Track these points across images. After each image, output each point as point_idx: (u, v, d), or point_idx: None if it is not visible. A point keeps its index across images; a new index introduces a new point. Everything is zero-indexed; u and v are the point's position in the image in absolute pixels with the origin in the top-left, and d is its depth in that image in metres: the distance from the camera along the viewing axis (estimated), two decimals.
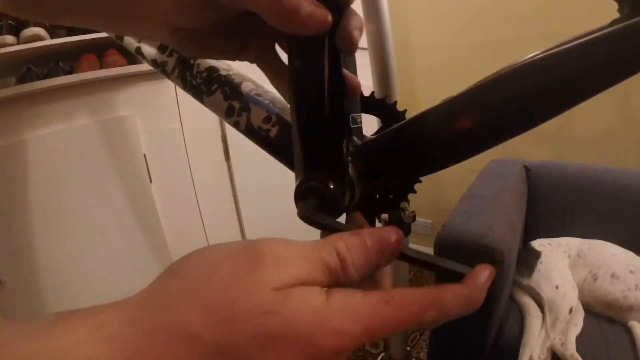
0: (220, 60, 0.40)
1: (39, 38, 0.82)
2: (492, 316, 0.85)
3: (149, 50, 0.45)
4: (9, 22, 0.81)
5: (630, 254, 0.97)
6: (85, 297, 0.88)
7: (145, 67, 0.89)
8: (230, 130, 1.11)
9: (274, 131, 0.35)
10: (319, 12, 0.19)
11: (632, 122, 1.26)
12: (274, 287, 0.14)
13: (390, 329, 0.14)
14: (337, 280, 0.16)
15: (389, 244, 0.16)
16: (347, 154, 0.24)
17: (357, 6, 0.70)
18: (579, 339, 0.83)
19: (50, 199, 0.82)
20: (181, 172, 1.05)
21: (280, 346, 0.13)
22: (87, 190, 0.88)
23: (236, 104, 0.37)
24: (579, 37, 0.20)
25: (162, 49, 0.43)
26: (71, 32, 0.86)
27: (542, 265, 0.99)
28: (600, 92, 0.20)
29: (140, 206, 0.97)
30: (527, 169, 1.27)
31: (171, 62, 0.42)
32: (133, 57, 0.88)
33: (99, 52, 0.90)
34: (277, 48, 0.25)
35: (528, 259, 1.04)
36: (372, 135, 0.29)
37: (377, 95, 0.30)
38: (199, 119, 1.04)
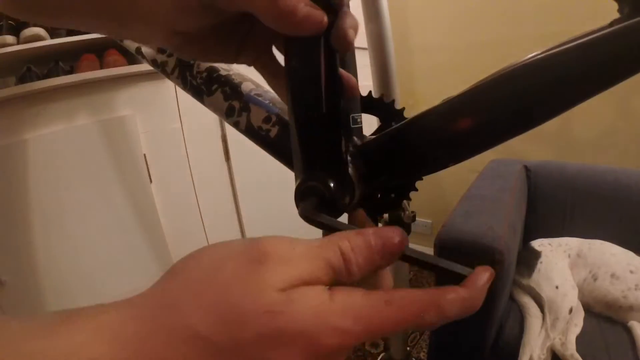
0: None
1: (39, 38, 0.82)
2: (492, 316, 0.85)
3: (149, 50, 0.45)
4: (9, 22, 0.81)
5: (630, 254, 0.97)
6: (85, 297, 0.88)
7: (145, 67, 0.89)
8: (230, 130, 1.11)
9: (274, 131, 0.35)
10: (315, 13, 0.19)
11: (632, 122, 1.26)
12: (278, 288, 0.14)
13: (390, 329, 0.15)
14: (339, 279, 0.16)
15: (392, 244, 0.16)
16: (347, 154, 0.24)
17: (357, 6, 0.70)
18: (579, 339, 0.83)
19: (50, 199, 0.82)
20: (181, 172, 1.05)
21: (283, 345, 0.13)
22: (87, 190, 0.88)
23: (236, 104, 0.37)
24: (579, 37, 0.20)
25: (161, 49, 0.43)
26: (71, 32, 0.86)
27: (542, 265, 0.99)
28: (600, 92, 0.20)
29: (140, 206, 0.97)
30: (527, 169, 1.27)
31: (171, 62, 0.43)
32: (133, 57, 0.88)
33: (99, 52, 0.90)
34: (274, 50, 0.26)
35: (528, 259, 1.04)
36: (372, 134, 0.29)
37: (375, 95, 0.30)
38: (199, 119, 1.04)
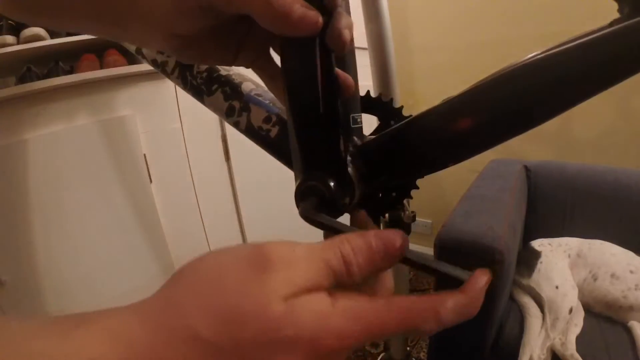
0: None
1: (39, 38, 0.82)
2: (492, 316, 0.85)
3: (149, 50, 0.45)
4: (9, 22, 0.81)
5: (630, 254, 0.97)
6: (85, 297, 0.88)
7: (145, 67, 0.89)
8: (230, 130, 1.11)
9: (274, 131, 0.35)
10: (310, 14, 0.19)
11: (632, 122, 1.26)
12: (281, 296, 0.14)
13: (389, 334, 0.15)
14: (340, 281, 0.16)
15: (393, 247, 0.16)
16: (347, 154, 0.24)
17: (357, 6, 0.70)
18: (579, 339, 0.83)
19: (50, 199, 0.82)
20: (181, 172, 1.05)
21: (286, 350, 0.13)
22: (87, 190, 0.88)
23: (236, 104, 0.37)
24: (579, 37, 0.20)
25: None
26: (71, 32, 0.86)
27: (542, 265, 0.99)
28: (600, 92, 0.20)
29: (140, 206, 0.97)
30: (527, 169, 1.27)
31: (171, 62, 0.43)
32: (133, 57, 0.88)
33: (99, 52, 0.90)
34: (271, 52, 0.26)
35: (528, 259, 1.04)
36: (371, 134, 0.29)
37: (373, 94, 0.30)
38: (199, 119, 1.04)
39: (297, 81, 0.22)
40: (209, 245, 1.12)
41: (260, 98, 0.36)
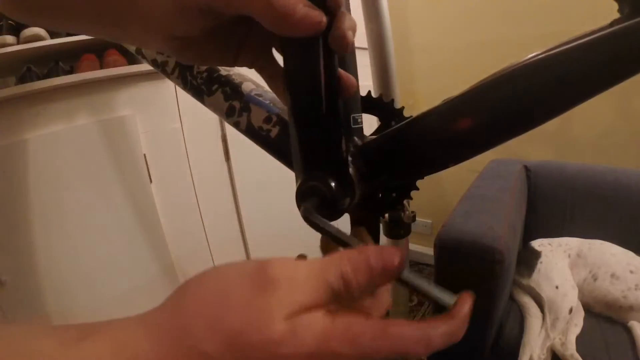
0: None
1: (39, 38, 0.82)
2: (492, 316, 0.85)
3: (149, 50, 0.45)
4: (9, 22, 0.81)
5: (630, 254, 0.97)
6: (85, 297, 0.88)
7: (145, 67, 0.89)
8: (230, 130, 1.11)
9: (274, 131, 0.35)
10: (313, 14, 0.19)
11: (632, 122, 1.26)
12: (282, 316, 0.15)
13: (381, 357, 0.16)
14: (340, 298, 0.16)
15: (392, 266, 0.17)
16: (348, 154, 0.24)
17: (357, 6, 0.70)
18: (579, 339, 0.83)
19: (50, 199, 0.82)
20: (181, 172, 1.05)
21: None
22: (87, 190, 0.88)
23: (237, 104, 0.37)
24: (579, 38, 0.20)
25: None
26: (71, 32, 0.86)
27: (542, 265, 0.99)
28: (600, 92, 0.20)
29: (140, 206, 0.97)
30: (527, 169, 1.27)
31: (171, 62, 0.43)
32: (133, 57, 0.88)
33: (99, 52, 0.90)
34: (274, 52, 0.26)
35: (528, 259, 1.04)
36: (372, 134, 0.29)
37: (374, 95, 0.30)
38: (199, 119, 1.04)
39: (300, 81, 0.22)
40: (208, 245, 1.12)
41: (260, 98, 0.36)
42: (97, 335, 0.14)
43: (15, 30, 0.81)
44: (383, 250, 0.17)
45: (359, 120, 0.27)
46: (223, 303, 0.15)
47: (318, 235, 0.22)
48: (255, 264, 0.16)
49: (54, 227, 0.83)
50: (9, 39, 0.80)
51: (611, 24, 0.20)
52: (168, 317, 0.15)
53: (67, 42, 0.83)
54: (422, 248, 1.87)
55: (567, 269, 0.98)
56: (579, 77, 0.21)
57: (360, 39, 0.22)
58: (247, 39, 0.24)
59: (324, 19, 0.19)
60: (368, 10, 0.74)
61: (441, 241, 0.86)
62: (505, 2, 1.38)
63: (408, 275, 0.18)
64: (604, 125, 1.30)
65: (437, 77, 1.63)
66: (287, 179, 0.37)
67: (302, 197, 0.23)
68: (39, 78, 0.82)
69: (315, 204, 0.22)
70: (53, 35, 0.84)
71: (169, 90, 0.99)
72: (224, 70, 0.39)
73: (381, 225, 0.51)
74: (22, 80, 0.81)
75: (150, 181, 0.97)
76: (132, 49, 0.49)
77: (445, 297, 0.18)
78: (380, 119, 0.30)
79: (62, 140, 0.84)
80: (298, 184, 0.24)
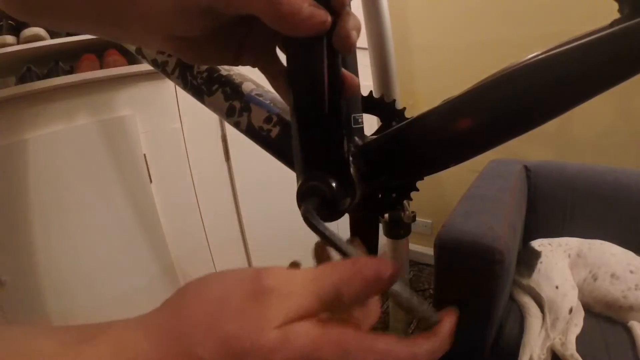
0: None
1: (39, 38, 0.82)
2: (492, 316, 0.85)
3: (149, 50, 0.45)
4: (9, 22, 0.81)
5: (630, 254, 0.97)
6: (85, 297, 0.88)
7: (145, 67, 0.89)
8: (230, 130, 1.11)
9: (275, 131, 0.35)
10: (318, 13, 0.19)
11: (632, 122, 1.26)
12: (276, 325, 0.15)
13: None
14: (332, 307, 0.17)
15: (384, 279, 0.17)
16: (349, 154, 0.24)
17: (357, 6, 0.70)
18: (579, 339, 0.83)
19: (50, 199, 0.82)
20: (181, 172, 1.05)
21: None
22: (87, 190, 0.88)
23: (237, 104, 0.37)
24: (579, 38, 0.20)
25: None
26: (71, 32, 0.86)
27: (542, 265, 0.99)
28: (600, 92, 0.20)
29: (140, 206, 0.97)
30: (527, 169, 1.27)
31: (171, 62, 0.43)
32: (133, 57, 0.88)
33: (99, 52, 0.90)
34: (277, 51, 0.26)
35: (528, 259, 1.04)
36: (373, 134, 0.29)
37: (375, 95, 0.30)
38: (199, 119, 1.04)
39: (303, 81, 0.22)
40: (209, 245, 1.12)
41: (260, 98, 0.36)
42: (98, 336, 0.15)
43: (15, 30, 0.81)
44: (375, 262, 0.18)
45: (360, 120, 0.27)
46: (221, 309, 0.15)
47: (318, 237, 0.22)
48: (251, 273, 0.17)
49: (54, 227, 0.83)
50: (9, 39, 0.80)
51: (611, 24, 0.20)
52: (167, 319, 0.16)
53: (67, 42, 0.83)
54: (422, 248, 1.87)
55: (567, 269, 0.98)
56: (579, 77, 0.21)
57: (361, 39, 0.22)
58: (248, 38, 0.24)
59: (329, 18, 0.19)
60: (368, 10, 0.74)
61: (441, 241, 0.86)
62: (505, 2, 1.38)
63: (396, 289, 0.18)
64: (604, 125, 1.31)
65: (437, 77, 1.63)
66: (287, 179, 0.37)
67: (302, 197, 0.23)
68: (39, 78, 0.82)
69: (315, 203, 0.22)
70: (53, 35, 0.84)
71: (169, 90, 0.99)
72: (224, 70, 0.39)
73: (381, 225, 0.51)
74: (22, 80, 0.81)
75: (150, 181, 0.98)
76: (132, 48, 0.49)
77: (429, 313, 0.18)
78: (382, 119, 0.30)
79: (62, 140, 0.84)
80: (299, 184, 0.24)
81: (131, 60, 0.91)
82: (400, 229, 0.67)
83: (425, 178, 0.27)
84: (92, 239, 0.89)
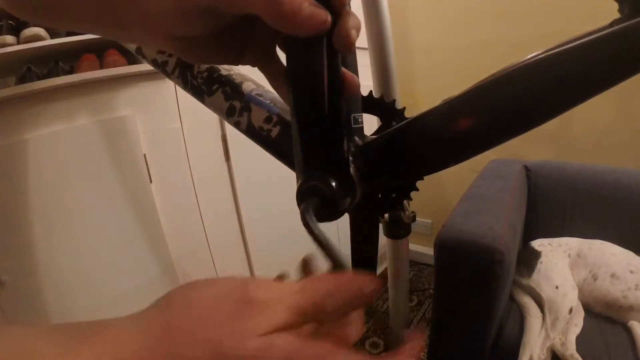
0: None
1: (39, 38, 0.82)
2: (492, 316, 0.85)
3: (149, 50, 0.45)
4: (9, 22, 0.81)
5: (630, 254, 0.97)
6: (85, 297, 0.88)
7: (145, 67, 0.89)
8: (230, 130, 1.11)
9: (275, 131, 0.35)
10: (319, 13, 0.19)
11: (632, 122, 1.26)
12: (259, 334, 0.16)
13: None
14: (313, 320, 0.18)
15: (365, 294, 0.18)
16: (349, 154, 0.24)
17: (357, 7, 0.70)
18: (579, 339, 0.83)
19: (50, 199, 0.82)
20: (181, 172, 1.05)
21: None
22: (87, 190, 0.88)
23: (237, 104, 0.37)
24: (580, 38, 0.20)
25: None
26: (71, 32, 0.86)
27: (542, 265, 0.99)
28: (601, 92, 0.20)
29: (140, 206, 0.97)
30: (527, 169, 1.27)
31: (171, 62, 0.43)
32: (133, 57, 0.88)
33: (99, 52, 0.90)
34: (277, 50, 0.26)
35: (528, 259, 1.04)
36: (373, 134, 0.29)
37: (375, 95, 0.30)
38: (199, 119, 1.04)
39: (303, 80, 0.22)
40: (208, 245, 1.12)
41: (261, 98, 0.36)
42: (97, 335, 0.15)
43: (15, 30, 0.81)
44: (358, 278, 0.18)
45: (360, 120, 0.27)
46: (208, 316, 0.16)
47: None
48: (239, 283, 0.18)
49: (54, 227, 0.83)
50: (9, 39, 0.80)
51: (611, 24, 0.20)
52: (157, 326, 0.16)
53: (67, 42, 0.83)
54: (422, 248, 1.87)
55: (567, 269, 0.98)
56: (579, 77, 0.21)
57: (361, 38, 0.22)
58: (249, 38, 0.24)
59: (329, 18, 0.19)
60: (368, 10, 0.74)
61: (441, 241, 0.86)
62: (505, 2, 1.38)
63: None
64: (604, 125, 1.31)
65: (437, 77, 1.63)
66: (287, 179, 0.37)
67: (302, 196, 0.23)
68: (39, 78, 0.82)
69: (315, 203, 0.22)
70: (53, 35, 0.84)
71: (169, 90, 0.99)
72: (224, 70, 0.39)
73: (381, 225, 0.51)
74: (22, 80, 0.81)
75: (150, 181, 0.98)
76: (132, 48, 0.49)
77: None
78: (382, 119, 0.30)
79: (62, 140, 0.84)
80: (299, 184, 0.24)
81: (131, 60, 0.91)
82: (400, 229, 0.67)
83: (425, 178, 0.27)
84: (92, 239, 0.89)
